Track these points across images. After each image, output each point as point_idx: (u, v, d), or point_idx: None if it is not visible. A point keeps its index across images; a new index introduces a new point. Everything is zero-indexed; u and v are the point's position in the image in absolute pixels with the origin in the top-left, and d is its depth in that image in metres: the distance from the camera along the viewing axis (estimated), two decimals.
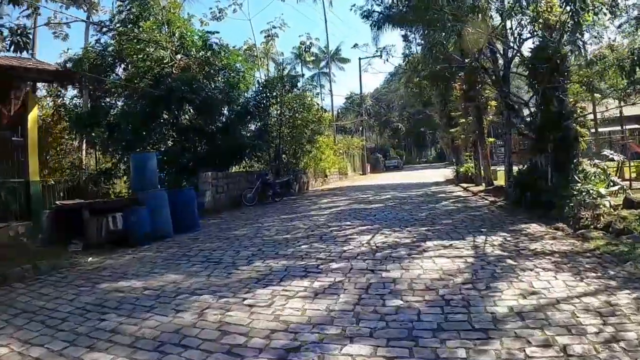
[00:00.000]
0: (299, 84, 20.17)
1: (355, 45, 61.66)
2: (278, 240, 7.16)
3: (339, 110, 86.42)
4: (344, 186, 21.81)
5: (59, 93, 15.32)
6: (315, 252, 6.04)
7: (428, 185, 19.93)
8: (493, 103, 15.41)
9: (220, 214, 12.26)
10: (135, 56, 13.28)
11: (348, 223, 8.86)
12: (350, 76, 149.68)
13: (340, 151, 30.14)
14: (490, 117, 16.41)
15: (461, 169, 19.69)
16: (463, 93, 15.55)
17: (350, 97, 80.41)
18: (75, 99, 16.12)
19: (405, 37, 14.81)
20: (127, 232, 7.49)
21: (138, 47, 13.23)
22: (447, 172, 29.19)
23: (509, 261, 4.91)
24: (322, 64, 62.66)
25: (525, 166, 10.77)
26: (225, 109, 15.17)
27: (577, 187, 7.71)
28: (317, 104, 20.84)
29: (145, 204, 7.83)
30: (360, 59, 35.45)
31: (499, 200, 11.31)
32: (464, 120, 17.57)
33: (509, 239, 6.27)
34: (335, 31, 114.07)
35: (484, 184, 15.95)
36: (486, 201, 12.03)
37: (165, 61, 13.33)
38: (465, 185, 17.22)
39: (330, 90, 36.78)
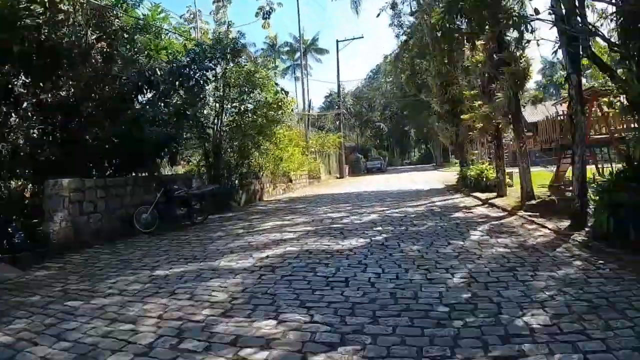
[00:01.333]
0: (252, 54, 14.52)
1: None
2: None
3: (319, 111, 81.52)
4: (312, 195, 16.24)
5: None
6: None
7: (425, 194, 14.57)
8: (534, 68, 10.11)
9: (80, 251, 6.60)
10: None
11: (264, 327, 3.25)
12: (329, 70, 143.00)
13: (312, 149, 24.61)
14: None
15: (470, 172, 14.37)
16: (488, 57, 10.15)
17: (330, 95, 75.51)
18: None
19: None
20: None
21: None
22: (441, 176, 24.02)
23: None
24: (298, 54, 57.12)
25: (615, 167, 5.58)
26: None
27: None
28: (276, 84, 15.22)
29: None
30: (338, 41, 29.97)
31: (570, 232, 6.10)
32: (480, 103, 12.17)
33: None
34: (312, 20, 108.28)
35: (511, 195, 10.64)
36: (546, 230, 6.74)
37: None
38: (481, 195, 11.89)
39: (300, 89, 30.99)
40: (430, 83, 18.11)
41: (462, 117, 13.46)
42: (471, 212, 9.28)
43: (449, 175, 23.96)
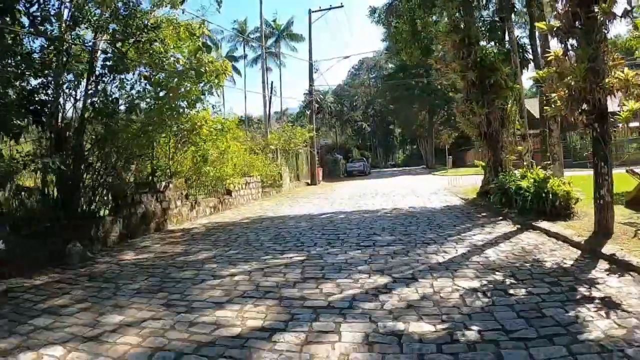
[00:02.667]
0: None
1: None
2: None
3: (297, 111, 75.40)
4: (249, 219, 9.90)
5: None
6: None
7: (444, 220, 8.34)
8: None
9: None
10: None
11: None
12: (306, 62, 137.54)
13: (272, 147, 18.26)
14: None
15: (520, 182, 8.23)
16: None
17: (310, 93, 69.60)
18: None
19: None
20: None
21: None
22: (444, 182, 18.11)
23: None
24: (270, 41, 50.62)
25: None
26: None
27: None
28: (193, 32, 8.89)
29: None
30: (310, 11, 23.61)
31: None
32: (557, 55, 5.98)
33: None
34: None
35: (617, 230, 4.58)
36: None
37: None
38: (559, 228, 5.86)
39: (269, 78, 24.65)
40: (442, 43, 12.02)
41: (537, 73, 7.21)
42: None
43: (454, 181, 18.01)
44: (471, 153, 36.54)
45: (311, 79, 22.22)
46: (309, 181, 21.49)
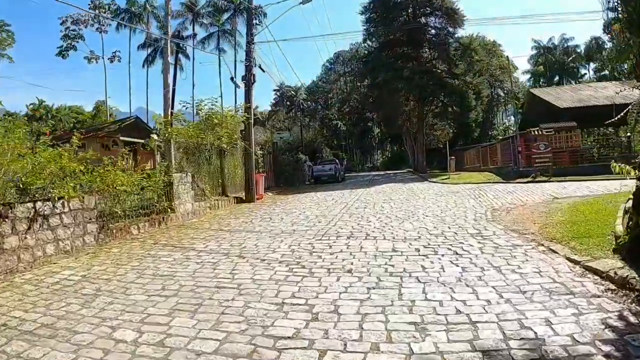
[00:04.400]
0: None
1: None
2: None
3: (269, 109, 67.01)
4: None
5: None
6: None
7: None
8: None
9: None
10: None
11: None
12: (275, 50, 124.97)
13: (160, 144, 10.00)
14: None
15: None
16: None
17: (280, 88, 61.74)
18: None
19: None
20: None
21: None
22: (476, 200, 10.30)
23: None
24: (226, 16, 42.08)
25: None
26: None
27: None
28: None
29: None
30: None
31: None
32: None
33: None
34: None
35: None
36: None
37: None
38: None
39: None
40: None
41: None
42: None
43: (490, 198, 10.32)
44: (472, 154, 29.11)
45: (250, 33, 13.95)
46: (243, 195, 13.25)
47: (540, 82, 52.30)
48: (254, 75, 13.62)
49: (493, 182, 16.78)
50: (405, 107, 29.47)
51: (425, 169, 28.59)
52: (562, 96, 27.48)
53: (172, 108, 13.21)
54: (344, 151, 62.72)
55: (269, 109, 69.07)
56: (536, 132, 18.58)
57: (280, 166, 20.31)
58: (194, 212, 10.42)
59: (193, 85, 45.92)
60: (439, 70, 27.68)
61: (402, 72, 25.15)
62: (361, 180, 24.73)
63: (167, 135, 10.70)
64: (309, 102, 65.31)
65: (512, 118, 45.43)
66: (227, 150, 13.32)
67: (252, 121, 13.38)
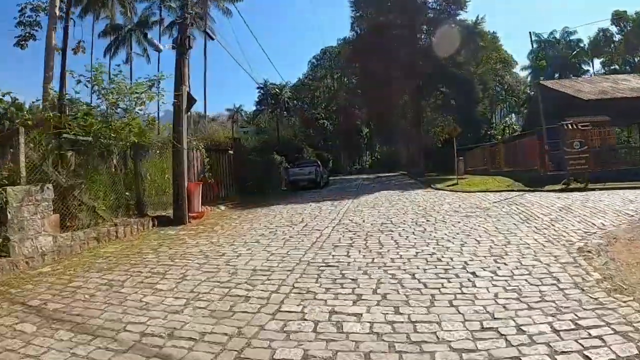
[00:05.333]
0: None
1: None
2: None
3: (254, 108, 62.98)
4: None
5: None
6: None
7: None
8: None
9: None
10: None
11: None
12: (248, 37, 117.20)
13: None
14: None
15: None
16: None
17: (265, 85, 57.71)
18: None
19: None
20: None
21: None
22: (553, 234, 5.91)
23: None
24: None
25: None
26: None
27: None
28: None
29: None
30: None
31: None
32: None
33: None
34: None
35: None
36: None
37: None
38: None
39: None
40: None
41: None
42: None
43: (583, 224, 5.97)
44: (476, 154, 25.04)
45: None
46: (170, 212, 8.88)
47: (540, 80, 48.95)
48: (189, 38, 9.28)
49: (517, 190, 12.77)
50: (399, 101, 25.33)
51: (423, 172, 24.44)
52: (581, 88, 23.76)
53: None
54: (330, 151, 58.82)
55: (254, 108, 64.85)
56: (570, 127, 14.58)
57: (246, 169, 15.96)
58: (57, 250, 6.04)
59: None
60: (439, 57, 23.54)
61: (398, 52, 20.95)
62: (348, 186, 20.49)
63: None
64: (295, 101, 61.48)
65: (514, 116, 41.81)
66: (149, 147, 8.97)
67: (186, 105, 9.01)
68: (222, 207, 11.49)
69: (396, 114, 25.67)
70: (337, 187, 20.60)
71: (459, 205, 9.62)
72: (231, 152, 15.01)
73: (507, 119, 39.48)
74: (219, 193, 13.01)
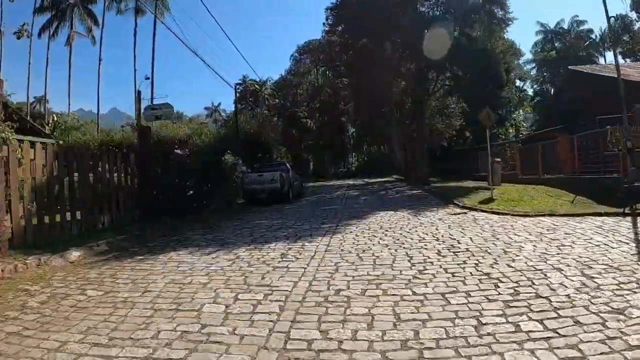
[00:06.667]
0: None
1: None
2: None
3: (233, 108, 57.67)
4: None
5: None
6: None
7: None
8: None
9: None
10: None
11: None
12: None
13: None
14: None
15: None
16: None
17: (244, 81, 52.50)
18: None
19: None
20: None
21: None
22: None
23: None
24: None
25: None
26: None
27: None
28: None
29: None
30: None
31: None
32: None
33: None
34: None
35: None
36: None
37: None
38: None
39: None
40: None
41: None
42: None
43: None
44: (498, 155, 19.46)
45: None
46: None
47: (544, 75, 44.08)
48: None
49: (593, 213, 7.24)
50: (395, 88, 19.63)
51: (427, 178, 18.72)
52: (626, 72, 18.52)
53: None
54: (314, 152, 53.31)
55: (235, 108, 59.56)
56: None
57: (156, 177, 9.94)
58: None
59: (100, 61, 33.73)
60: (449, 30, 17.85)
61: (398, 18, 15.24)
62: (329, 199, 14.63)
63: None
64: (276, 100, 56.21)
65: (521, 112, 36.75)
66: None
67: None
68: (61, 260, 5.49)
69: (391, 104, 19.92)
70: (314, 200, 14.70)
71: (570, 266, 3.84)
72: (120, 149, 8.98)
73: (514, 115, 34.61)
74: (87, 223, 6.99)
